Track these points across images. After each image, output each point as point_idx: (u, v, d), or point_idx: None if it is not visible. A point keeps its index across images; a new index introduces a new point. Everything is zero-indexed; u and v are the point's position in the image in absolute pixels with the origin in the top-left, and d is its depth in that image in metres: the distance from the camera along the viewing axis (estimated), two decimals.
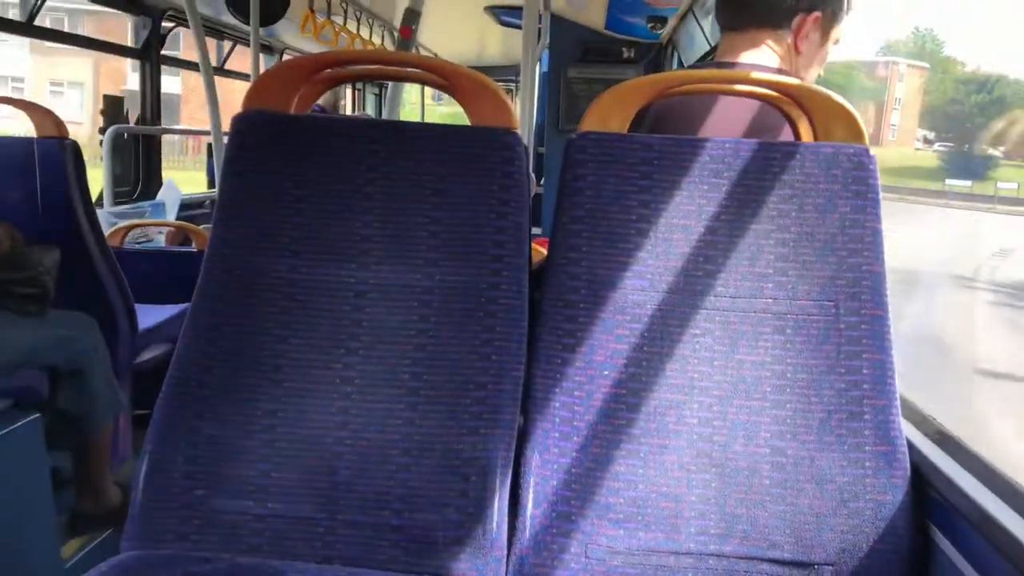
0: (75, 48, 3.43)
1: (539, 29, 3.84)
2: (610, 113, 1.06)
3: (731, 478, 0.98)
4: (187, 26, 2.76)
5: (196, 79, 2.91)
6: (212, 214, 1.09)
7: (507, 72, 6.68)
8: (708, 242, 1.03)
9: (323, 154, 1.06)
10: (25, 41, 16.09)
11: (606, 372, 1.01)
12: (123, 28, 3.82)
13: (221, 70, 4.35)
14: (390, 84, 2.37)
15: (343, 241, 1.04)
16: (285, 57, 5.01)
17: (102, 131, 3.35)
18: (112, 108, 3.56)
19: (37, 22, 2.77)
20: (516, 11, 3.21)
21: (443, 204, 1.04)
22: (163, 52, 3.58)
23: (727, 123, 1.19)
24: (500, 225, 1.04)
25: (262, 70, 3.66)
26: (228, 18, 3.46)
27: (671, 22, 4.07)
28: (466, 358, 1.01)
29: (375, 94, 6.49)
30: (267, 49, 4.83)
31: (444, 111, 10.33)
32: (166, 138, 3.97)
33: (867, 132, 1.05)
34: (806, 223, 1.02)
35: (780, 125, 1.14)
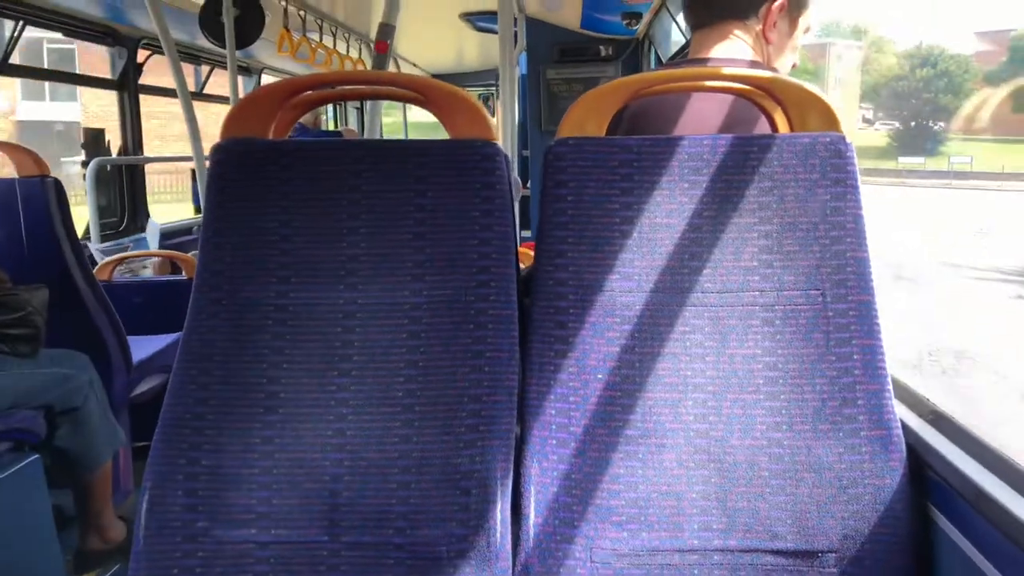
0: None
1: (515, 32, 3.85)
2: (586, 118, 1.07)
3: (730, 472, 0.98)
4: (163, 53, 2.75)
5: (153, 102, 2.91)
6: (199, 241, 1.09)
7: (486, 77, 6.69)
8: (692, 239, 1.03)
9: (304, 178, 1.06)
10: None
11: (599, 375, 1.01)
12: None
13: (200, 95, 4.34)
14: (369, 101, 2.36)
15: (330, 263, 1.04)
16: (264, 77, 5.01)
17: (84, 164, 3.34)
18: (93, 140, 3.55)
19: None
20: (491, 16, 3.21)
21: (426, 219, 1.05)
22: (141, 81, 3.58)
23: (703, 119, 1.19)
24: (485, 236, 1.04)
25: (241, 92, 3.67)
26: (204, 42, 3.46)
27: (646, 17, 4.07)
28: (459, 371, 1.01)
29: (357, 108, 6.50)
30: (245, 71, 4.83)
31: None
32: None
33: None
34: (788, 214, 1.02)
35: (756, 117, 1.15)
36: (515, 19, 3.72)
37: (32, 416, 1.68)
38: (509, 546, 0.99)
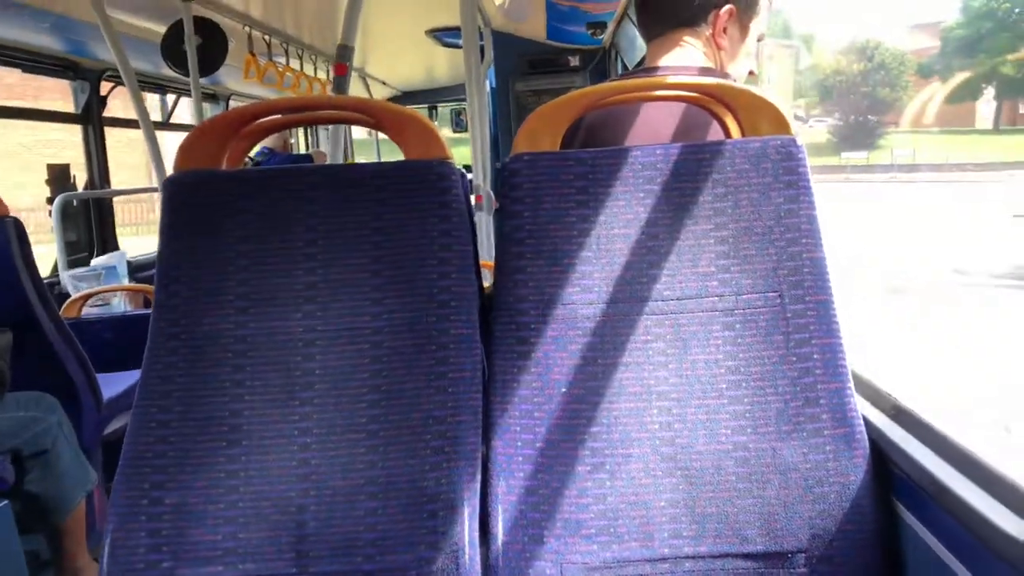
0: None
1: (481, 47, 3.86)
2: (540, 132, 1.07)
3: (697, 478, 0.98)
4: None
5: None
6: None
7: (459, 92, 6.69)
8: (650, 248, 1.04)
9: (259, 207, 1.05)
10: None
11: (563, 389, 1.01)
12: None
13: (167, 124, 4.32)
14: (331, 126, 2.35)
15: (288, 291, 1.03)
16: (233, 103, 4.99)
17: (50, 200, 3.31)
18: (58, 176, 3.52)
19: None
20: (457, 31, 3.22)
21: (384, 242, 1.04)
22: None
23: (657, 128, 1.20)
24: (443, 256, 1.04)
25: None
26: (169, 71, 3.44)
27: (610, 27, 4.10)
28: (422, 393, 1.00)
29: (328, 130, 6.48)
30: (213, 98, 4.81)
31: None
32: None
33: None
34: (742, 218, 1.03)
35: (709, 123, 1.15)
36: (481, 33, 3.73)
37: (0, 462, 1.65)
38: (479, 567, 0.98)
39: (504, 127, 4.78)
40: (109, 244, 3.65)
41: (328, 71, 4.75)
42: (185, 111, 4.43)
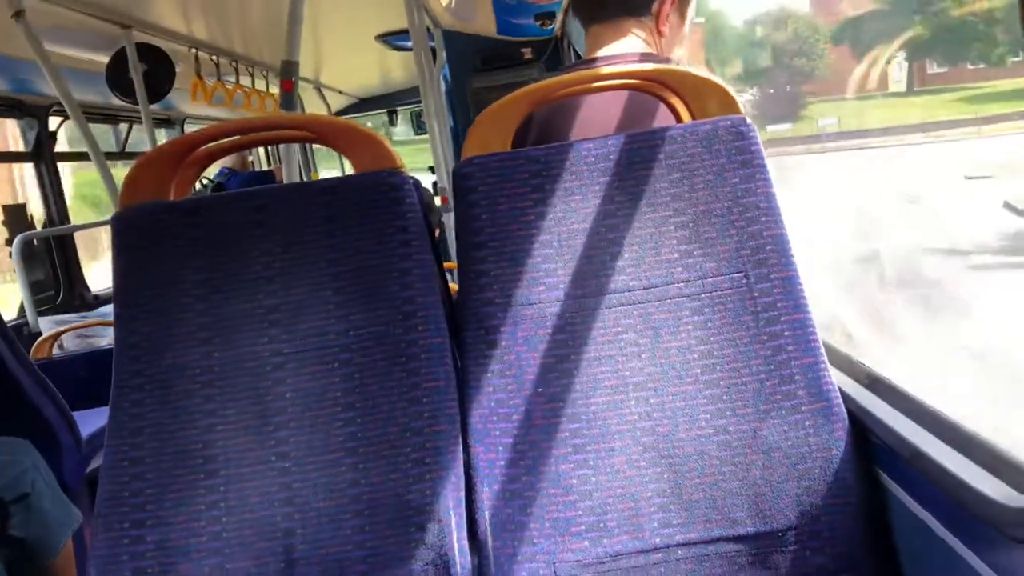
0: None
1: (432, 47, 3.85)
2: (489, 134, 1.07)
3: (682, 465, 0.99)
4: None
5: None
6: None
7: (417, 94, 6.67)
8: (611, 239, 1.03)
9: (211, 235, 1.04)
10: None
11: (539, 389, 1.01)
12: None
13: (122, 154, 4.25)
14: (281, 145, 2.33)
15: (250, 316, 1.02)
16: (188, 126, 4.93)
17: (8, 242, 3.25)
18: (14, 216, 3.46)
19: None
20: (406, 35, 3.20)
21: (342, 258, 1.03)
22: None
23: (606, 118, 1.20)
24: (404, 267, 1.03)
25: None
26: (119, 101, 3.39)
27: (559, 16, 4.10)
28: (397, 406, 1.00)
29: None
30: (168, 123, 4.75)
31: None
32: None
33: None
34: (700, 201, 1.03)
35: (656, 107, 1.16)
36: (430, 33, 3.72)
37: None
38: (471, 574, 0.98)
39: (464, 125, 4.77)
40: (75, 280, 3.60)
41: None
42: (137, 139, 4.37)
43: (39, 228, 3.51)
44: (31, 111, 3.37)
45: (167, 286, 1.03)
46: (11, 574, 1.62)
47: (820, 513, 0.96)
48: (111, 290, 1.10)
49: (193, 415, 1.00)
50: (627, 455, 0.99)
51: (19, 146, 3.48)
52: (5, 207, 3.46)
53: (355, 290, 1.03)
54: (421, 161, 5.68)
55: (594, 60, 1.26)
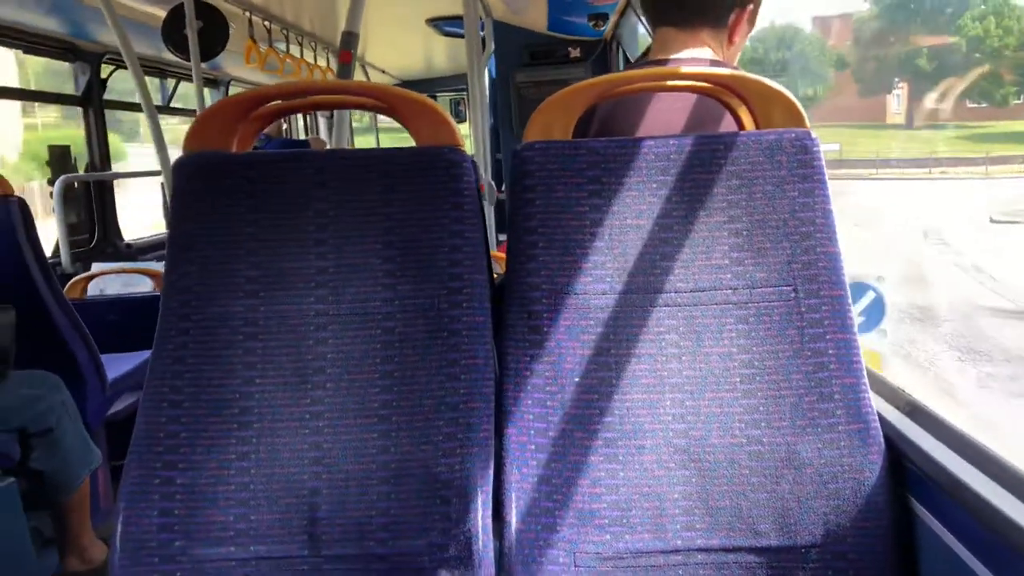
0: None
1: (482, 37, 3.86)
2: (552, 121, 1.07)
3: (711, 471, 0.98)
4: (127, 68, 2.72)
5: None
6: None
7: (457, 82, 6.68)
8: (663, 239, 1.03)
9: (269, 190, 1.05)
10: None
11: (576, 379, 1.01)
12: None
13: (167, 108, 4.30)
14: (335, 111, 2.35)
15: (299, 275, 1.03)
16: (232, 89, 4.97)
17: (51, 182, 3.29)
18: (59, 158, 3.50)
19: None
20: (457, 21, 3.21)
21: (395, 228, 1.04)
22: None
23: (670, 119, 1.20)
24: (455, 243, 1.04)
25: (208, 105, 3.63)
26: (169, 56, 3.43)
27: (612, 18, 4.09)
28: (434, 379, 1.01)
29: (327, 117, 6.47)
30: (213, 83, 4.79)
31: None
32: None
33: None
34: (757, 211, 1.03)
35: (722, 115, 1.16)
36: (482, 22, 3.72)
37: (5, 439, 1.66)
38: (492, 553, 0.98)
39: (504, 117, 4.77)
40: (110, 228, 3.65)
41: (328, 59, 4.74)
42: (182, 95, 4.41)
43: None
44: (85, 56, 3.41)
45: (220, 236, 1.04)
46: (27, 506, 1.65)
47: (847, 534, 0.95)
48: (143, 241, 1.11)
49: (233, 366, 1.01)
50: (657, 455, 0.99)
51: None
52: (51, 147, 3.51)
53: (405, 260, 1.03)
54: None
55: (665, 61, 1.26)
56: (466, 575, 0.96)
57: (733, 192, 1.03)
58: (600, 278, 1.03)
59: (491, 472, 0.99)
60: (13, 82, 3.69)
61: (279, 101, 1.13)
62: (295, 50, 4.09)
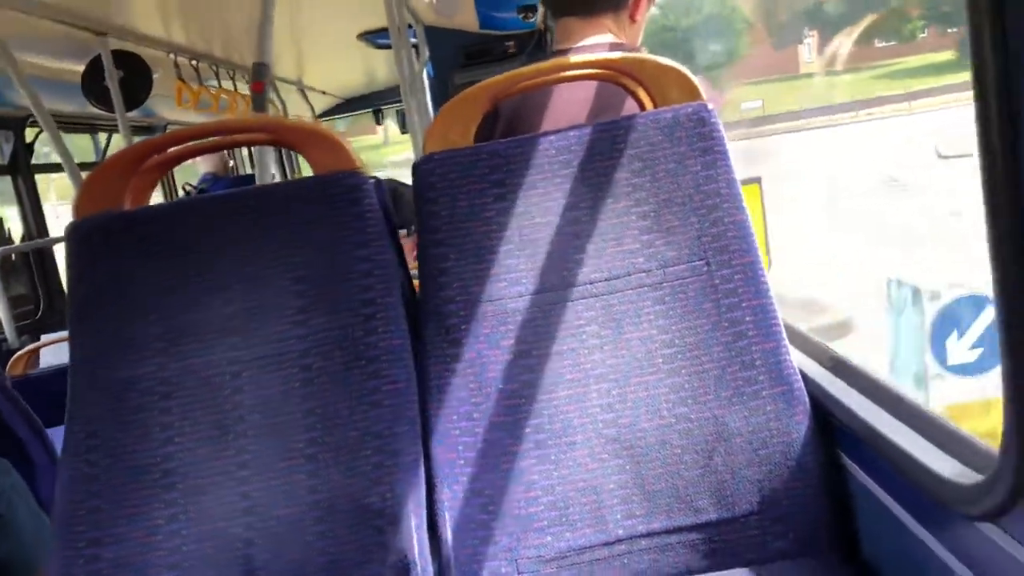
0: None
1: (414, 44, 3.81)
2: (450, 128, 1.06)
3: (644, 456, 0.98)
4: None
5: None
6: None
7: (399, 93, 6.64)
8: (573, 232, 1.02)
9: (165, 242, 1.03)
10: None
11: (500, 386, 1.00)
12: None
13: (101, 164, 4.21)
14: (254, 148, 2.29)
15: (206, 325, 1.01)
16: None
17: None
18: None
19: None
20: (388, 33, 3.16)
21: (301, 263, 1.02)
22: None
23: (572, 110, 1.19)
24: (363, 269, 1.02)
25: None
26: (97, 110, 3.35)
27: (541, 8, 4.06)
28: (357, 410, 0.98)
29: (276, 150, 6.38)
30: (148, 131, 4.71)
31: None
32: None
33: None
34: (662, 191, 1.02)
35: (624, 99, 1.14)
36: (413, 29, 3.68)
37: None
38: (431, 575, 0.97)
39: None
40: (55, 295, 3.56)
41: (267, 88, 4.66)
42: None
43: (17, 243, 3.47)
44: (6, 123, 3.33)
45: (121, 298, 1.01)
46: None
47: (782, 498, 0.95)
48: None
49: (149, 429, 0.98)
50: (589, 448, 0.98)
51: None
52: None
53: (315, 294, 1.01)
54: None
55: (567, 51, 1.24)
56: None
57: (637, 175, 1.02)
58: (515, 281, 1.01)
59: (423, 494, 0.98)
60: None
61: (170, 149, 1.09)
62: (228, 84, 4.01)
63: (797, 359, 1.01)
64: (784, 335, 1.00)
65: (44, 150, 3.58)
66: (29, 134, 3.46)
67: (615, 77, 1.09)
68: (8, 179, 3.42)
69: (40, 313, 3.49)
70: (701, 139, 1.02)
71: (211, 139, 1.19)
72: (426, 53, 4.26)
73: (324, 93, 5.99)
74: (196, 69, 3.62)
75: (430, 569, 0.97)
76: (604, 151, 1.02)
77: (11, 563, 1.70)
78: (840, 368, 1.01)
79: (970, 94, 0.55)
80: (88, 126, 4.01)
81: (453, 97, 1.04)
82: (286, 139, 1.08)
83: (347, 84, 6.07)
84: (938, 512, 0.75)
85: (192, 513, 0.96)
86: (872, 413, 0.88)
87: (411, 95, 3.06)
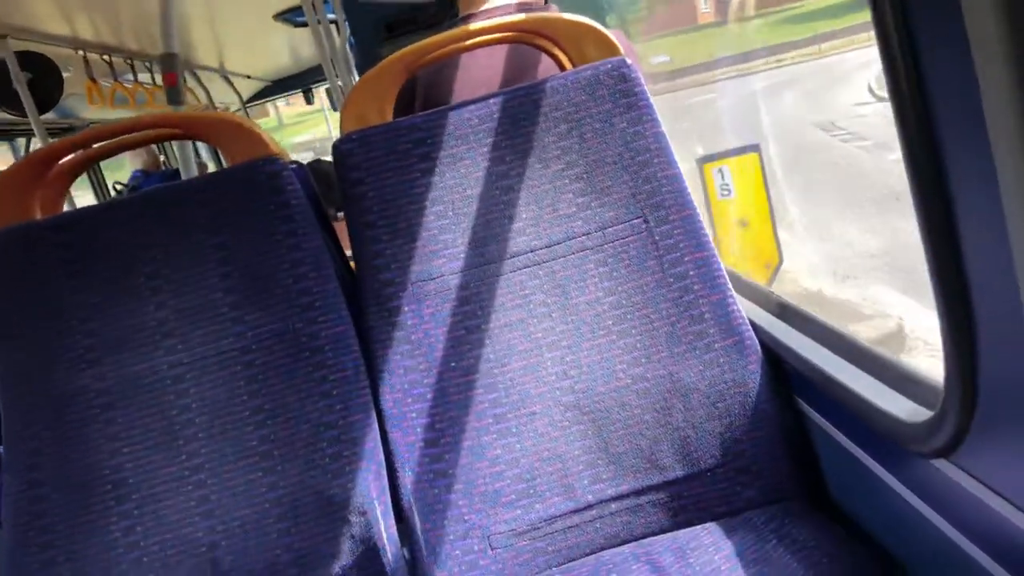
0: None
1: (333, 20, 3.71)
2: (365, 106, 1.03)
3: (604, 420, 0.97)
4: None
5: None
6: None
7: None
8: (507, 201, 1.01)
9: (87, 249, 0.99)
10: None
11: (452, 364, 0.98)
12: None
13: None
14: (174, 143, 2.23)
15: (141, 331, 0.98)
16: None
17: None
18: None
19: None
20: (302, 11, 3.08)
21: (229, 257, 0.99)
22: None
23: (489, 76, 1.17)
24: (294, 257, 0.99)
25: None
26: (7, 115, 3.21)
27: None
28: (307, 402, 0.97)
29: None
30: (69, 131, 4.53)
31: None
32: None
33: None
34: (591, 151, 1.01)
35: (540, 59, 1.13)
36: (330, 5, 3.58)
37: None
38: (403, 562, 0.96)
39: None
40: None
41: (185, 78, 4.52)
42: None
43: None
44: None
45: (44, 310, 0.98)
46: None
47: (744, 448, 0.96)
48: None
49: (95, 441, 0.96)
50: (549, 417, 0.98)
51: None
52: None
53: (247, 288, 0.98)
54: None
55: (471, 16, 1.22)
56: None
57: (563, 138, 1.01)
58: (453, 256, 1.00)
59: (386, 481, 0.97)
60: None
61: (75, 154, 1.05)
62: (145, 77, 3.88)
63: (745, 307, 1.01)
64: (729, 285, 1.00)
65: None
66: None
67: (529, 38, 1.07)
68: None
69: None
70: (624, 95, 1.01)
71: (115, 139, 1.15)
72: (346, 29, 4.17)
73: (249, 78, 5.82)
74: (110, 64, 3.49)
75: (399, 555, 0.96)
76: (528, 116, 1.01)
77: None
78: (787, 314, 1.01)
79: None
80: (2, 132, 3.84)
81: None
82: (195, 132, 1.05)
83: (273, 66, 5.90)
84: (894, 451, 0.76)
85: (150, 522, 0.94)
86: (822, 356, 0.88)
87: (336, 72, 2.99)
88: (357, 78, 4.30)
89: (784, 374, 0.98)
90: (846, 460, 0.85)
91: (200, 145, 6.25)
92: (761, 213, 2.85)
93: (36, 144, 4.08)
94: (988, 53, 0.46)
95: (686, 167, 1.04)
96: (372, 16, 4.48)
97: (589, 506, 0.97)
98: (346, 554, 0.94)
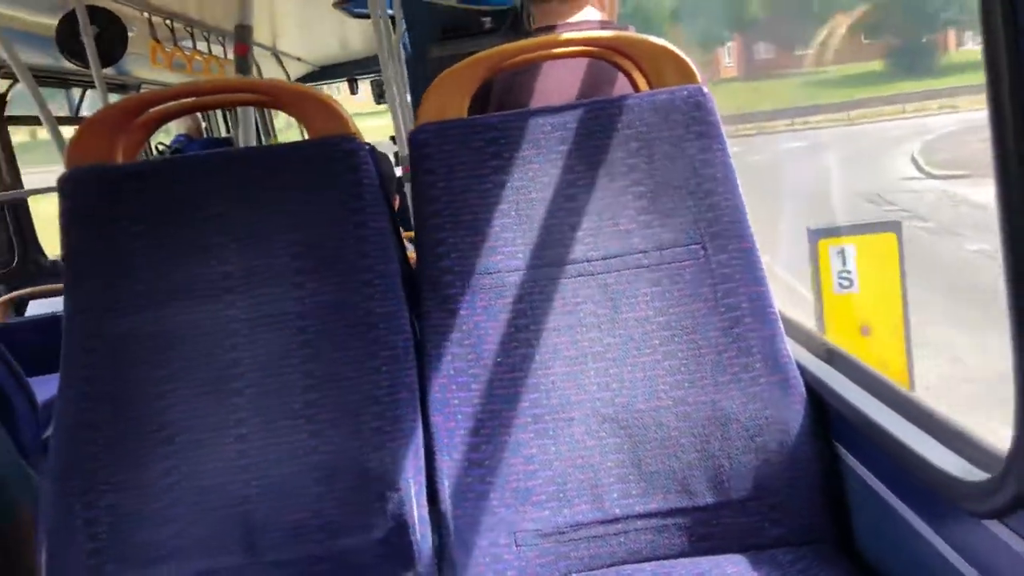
0: None
1: (391, 16, 3.81)
2: (445, 100, 1.06)
3: (641, 436, 0.99)
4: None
5: None
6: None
7: (376, 63, 6.57)
8: (569, 209, 1.03)
9: (160, 199, 1.02)
10: None
11: (498, 358, 1.00)
12: None
13: (76, 119, 4.16)
14: (238, 109, 2.31)
15: (203, 281, 1.01)
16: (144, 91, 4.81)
17: None
18: None
19: None
20: (365, 1, 3.16)
21: (298, 225, 1.02)
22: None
23: (563, 87, 1.20)
24: (361, 235, 1.02)
25: None
26: (71, 65, 3.31)
27: None
28: (356, 374, 0.99)
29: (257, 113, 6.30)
30: (122, 88, 4.64)
31: None
32: None
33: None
34: (658, 172, 1.03)
35: (615, 77, 1.16)
36: (391, 2, 3.67)
37: None
38: (431, 543, 0.98)
39: (421, 94, 4.71)
40: (30, 246, 3.53)
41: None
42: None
43: None
44: None
45: (116, 250, 1.01)
46: None
47: (778, 486, 0.97)
48: None
49: (146, 381, 0.99)
50: (586, 425, 0.99)
51: None
52: None
53: (311, 257, 1.01)
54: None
55: (553, 28, 1.25)
56: (408, 566, 0.96)
57: (632, 155, 1.03)
58: (512, 254, 1.02)
59: (422, 461, 0.99)
60: None
61: (163, 105, 1.11)
62: (203, 46, 3.98)
63: (792, 350, 1.02)
64: (781, 324, 1.00)
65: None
66: (1, 85, 3.42)
67: (608, 55, 1.09)
68: None
69: (15, 263, 3.46)
70: (697, 123, 1.02)
71: (207, 98, 1.19)
72: (403, 25, 4.26)
73: (299, 60, 5.92)
74: (171, 29, 3.58)
75: (428, 536, 0.98)
76: (599, 130, 1.03)
77: None
78: (834, 358, 1.02)
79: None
80: (60, 81, 3.95)
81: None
82: (284, 102, 1.08)
83: (323, 52, 5.99)
84: (938, 507, 0.75)
85: (190, 467, 0.97)
86: (870, 405, 0.89)
87: (388, 66, 3.07)
88: (406, 74, 4.41)
89: (826, 417, 0.99)
90: (882, 509, 0.86)
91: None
92: (891, 320, 2.10)
93: (91, 96, 4.20)
94: None
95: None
96: (429, 17, 4.58)
97: (616, 519, 0.98)
98: (376, 527, 0.96)
